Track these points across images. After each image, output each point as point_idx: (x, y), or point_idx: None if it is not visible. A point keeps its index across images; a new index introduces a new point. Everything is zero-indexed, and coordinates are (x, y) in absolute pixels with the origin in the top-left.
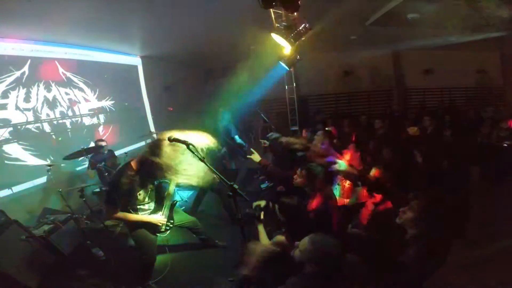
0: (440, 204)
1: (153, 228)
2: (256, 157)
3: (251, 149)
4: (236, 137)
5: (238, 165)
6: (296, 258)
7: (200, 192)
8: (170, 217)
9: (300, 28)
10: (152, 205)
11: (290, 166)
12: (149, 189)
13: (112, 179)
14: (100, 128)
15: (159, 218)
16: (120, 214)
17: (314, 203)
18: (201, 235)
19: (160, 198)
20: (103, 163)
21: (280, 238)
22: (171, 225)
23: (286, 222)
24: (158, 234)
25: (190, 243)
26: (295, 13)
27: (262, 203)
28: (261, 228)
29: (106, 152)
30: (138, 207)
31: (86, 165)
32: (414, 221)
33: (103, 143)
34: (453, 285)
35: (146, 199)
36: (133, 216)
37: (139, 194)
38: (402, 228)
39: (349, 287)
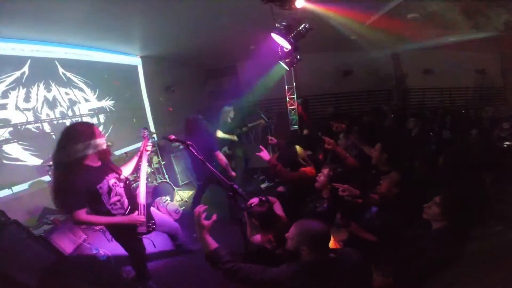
0: (462, 199)
1: (133, 229)
2: (265, 155)
3: (260, 146)
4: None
5: (236, 164)
6: (290, 248)
7: (199, 192)
8: (149, 217)
9: (300, 28)
10: (125, 203)
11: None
12: (115, 186)
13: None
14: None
15: (137, 217)
16: (87, 217)
17: None
18: (177, 241)
19: (131, 196)
20: None
21: (257, 237)
22: (154, 225)
23: (260, 227)
24: (141, 237)
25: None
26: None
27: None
28: (250, 223)
29: None
30: (110, 207)
31: None
32: (440, 215)
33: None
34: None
35: (115, 198)
36: (104, 219)
37: (103, 192)
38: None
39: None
